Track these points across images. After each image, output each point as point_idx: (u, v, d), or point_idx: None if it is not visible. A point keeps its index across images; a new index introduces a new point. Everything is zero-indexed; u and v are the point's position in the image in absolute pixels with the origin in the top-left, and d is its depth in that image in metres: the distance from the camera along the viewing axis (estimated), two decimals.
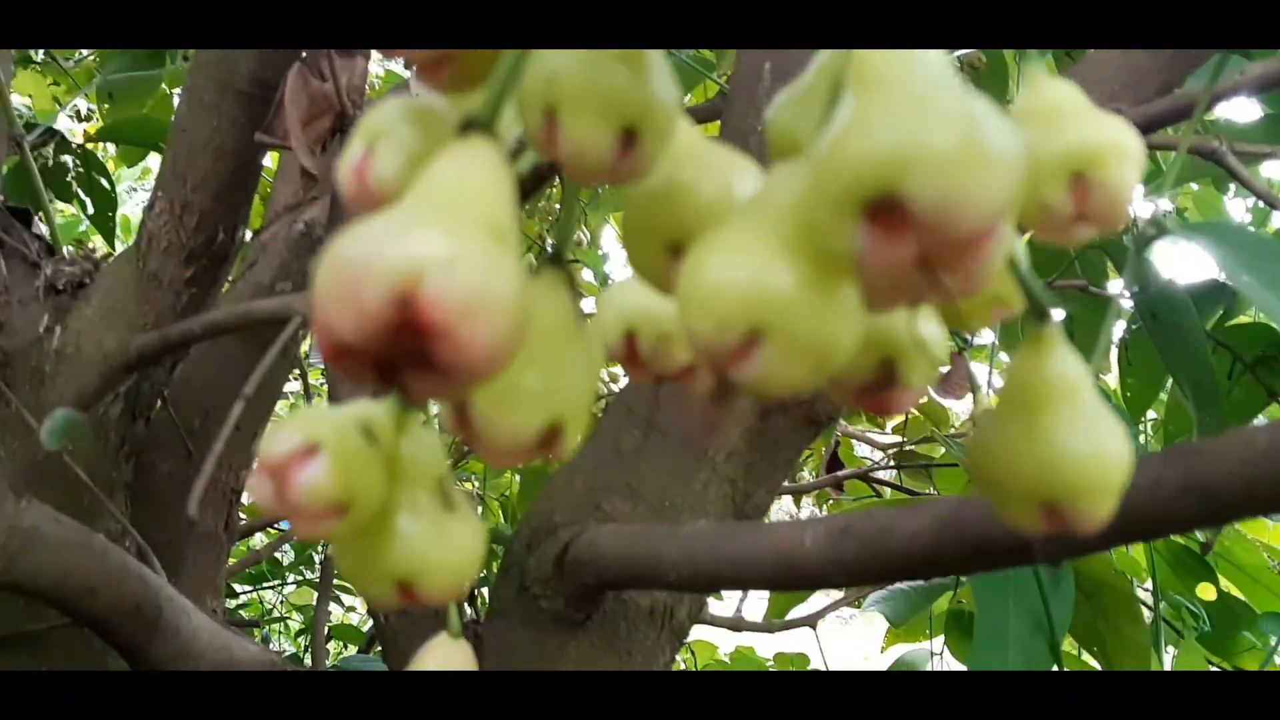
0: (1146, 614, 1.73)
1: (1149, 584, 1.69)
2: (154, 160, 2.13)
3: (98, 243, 2.22)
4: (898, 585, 1.68)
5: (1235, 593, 1.68)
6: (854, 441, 2.22)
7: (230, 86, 0.92)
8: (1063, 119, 0.28)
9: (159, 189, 0.96)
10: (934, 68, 0.20)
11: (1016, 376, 0.26)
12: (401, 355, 0.20)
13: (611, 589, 0.72)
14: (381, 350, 0.20)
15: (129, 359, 0.61)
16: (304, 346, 1.56)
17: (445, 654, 0.47)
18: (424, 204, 0.21)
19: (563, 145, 0.23)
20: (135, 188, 2.91)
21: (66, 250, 1.06)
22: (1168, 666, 1.62)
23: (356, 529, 0.28)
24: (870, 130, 0.19)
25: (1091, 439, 0.24)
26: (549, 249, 0.27)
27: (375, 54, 1.10)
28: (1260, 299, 0.45)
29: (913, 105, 0.19)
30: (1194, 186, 1.44)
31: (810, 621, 1.24)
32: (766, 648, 1.96)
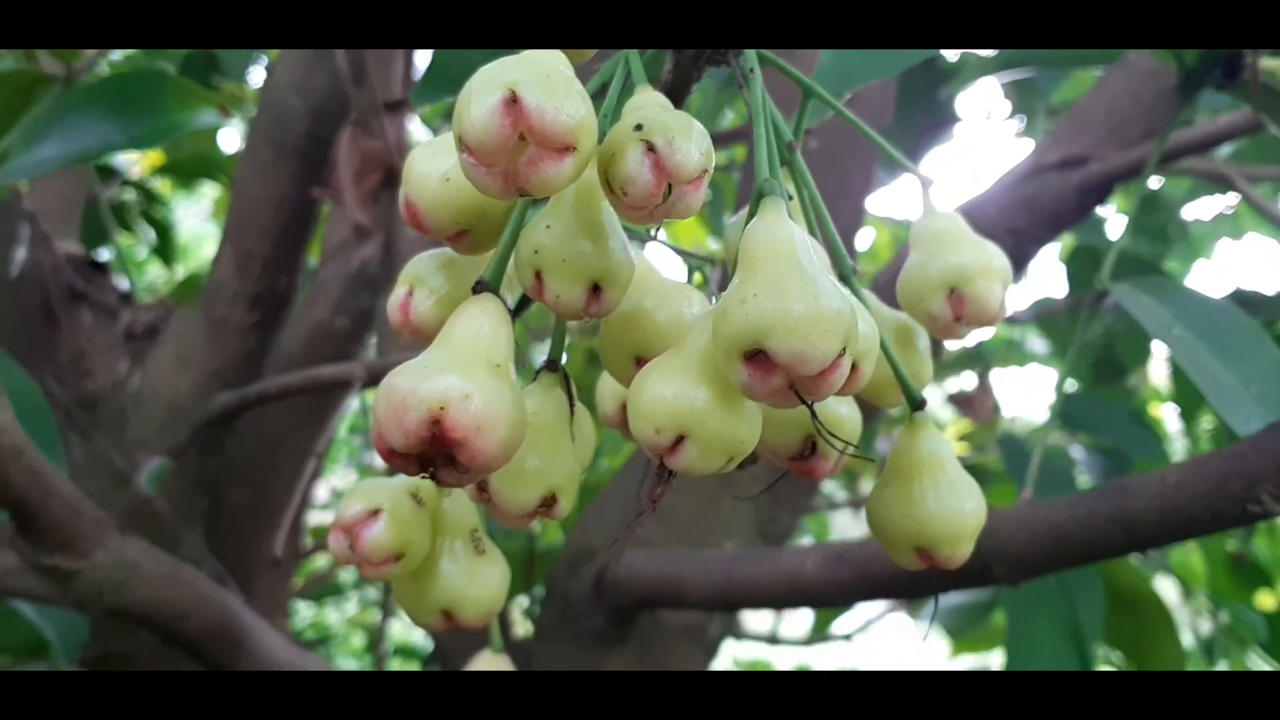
0: (1205, 622, 1.79)
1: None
2: (207, 186, 2.27)
3: (159, 275, 2.37)
4: (952, 597, 1.76)
5: None
6: None
7: (287, 145, 1.04)
8: (944, 244, 0.38)
9: (224, 240, 1.08)
10: (793, 253, 0.30)
11: (897, 451, 0.36)
12: (434, 457, 0.31)
13: (645, 608, 0.82)
14: (420, 454, 0.30)
15: (213, 414, 0.72)
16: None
17: (488, 665, 0.58)
18: (449, 350, 0.31)
19: (548, 296, 0.33)
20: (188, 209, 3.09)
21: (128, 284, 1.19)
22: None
23: (409, 571, 0.38)
24: (744, 304, 0.29)
25: (949, 501, 0.34)
26: (546, 358, 0.37)
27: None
28: (1187, 354, 0.53)
29: (774, 285, 0.29)
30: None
31: (847, 636, 1.33)
32: (822, 665, 2.05)
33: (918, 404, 0.36)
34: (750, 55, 0.35)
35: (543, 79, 0.29)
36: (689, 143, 0.30)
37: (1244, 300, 1.42)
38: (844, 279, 0.37)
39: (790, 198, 0.37)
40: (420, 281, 0.37)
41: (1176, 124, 0.73)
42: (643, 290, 0.36)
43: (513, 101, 0.29)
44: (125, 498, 0.70)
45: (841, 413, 0.36)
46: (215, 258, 1.08)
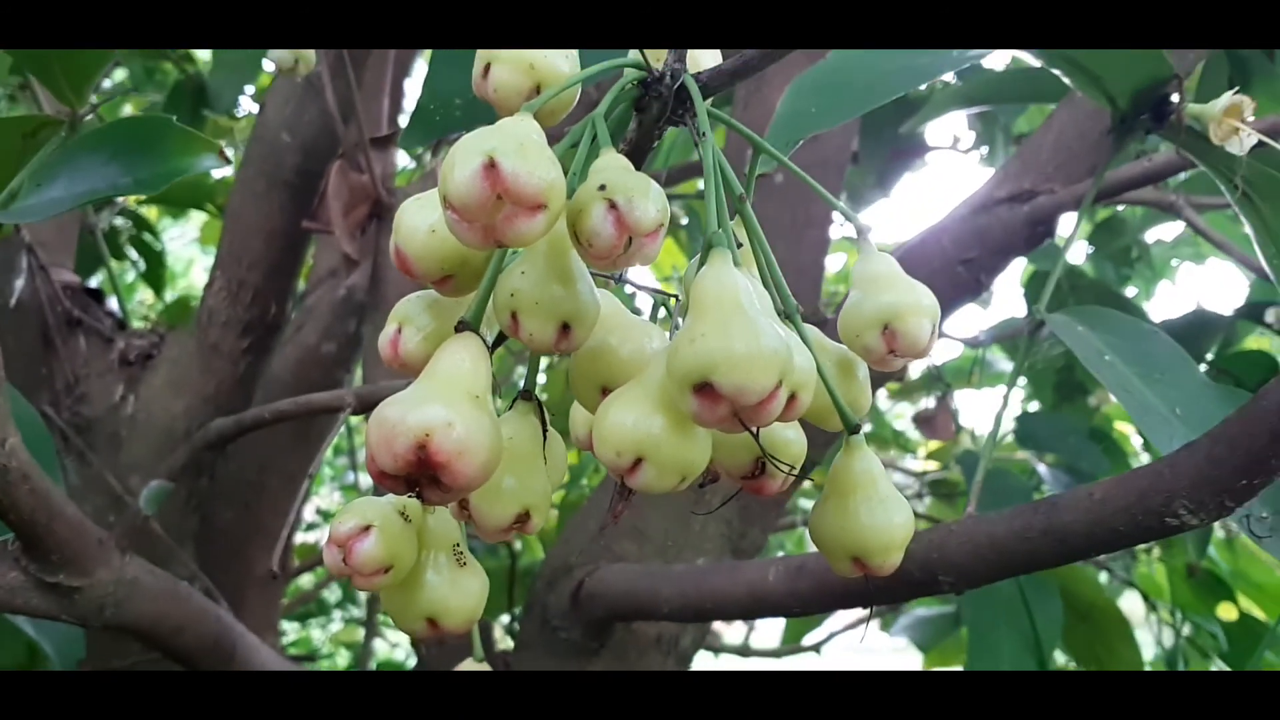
0: (1168, 633, 1.84)
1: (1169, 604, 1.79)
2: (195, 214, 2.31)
3: (147, 295, 2.40)
4: (920, 611, 1.80)
5: (1257, 613, 1.77)
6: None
7: (278, 179, 1.08)
8: (879, 285, 0.42)
9: (216, 269, 1.12)
10: (737, 298, 0.34)
11: (834, 470, 0.40)
12: (420, 478, 0.34)
13: (619, 620, 0.86)
14: (408, 475, 0.34)
15: (210, 439, 0.76)
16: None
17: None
18: (434, 383, 0.35)
19: (523, 334, 0.37)
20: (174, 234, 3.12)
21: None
22: None
23: (397, 582, 0.42)
24: (694, 343, 0.33)
25: (880, 516, 0.38)
26: (522, 388, 0.41)
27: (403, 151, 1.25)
28: (1115, 378, 0.58)
29: (719, 327, 0.33)
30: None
31: (815, 648, 1.37)
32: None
33: (853, 428, 0.40)
34: (704, 119, 0.39)
35: (517, 146, 0.33)
36: (647, 201, 0.34)
37: (1203, 320, 1.48)
38: (787, 318, 0.41)
39: (740, 245, 0.41)
40: (408, 320, 0.41)
41: (1119, 160, 0.78)
42: (608, 327, 0.40)
43: (491, 166, 0.33)
44: (125, 518, 0.74)
45: (788, 436, 0.40)
46: (207, 286, 1.12)
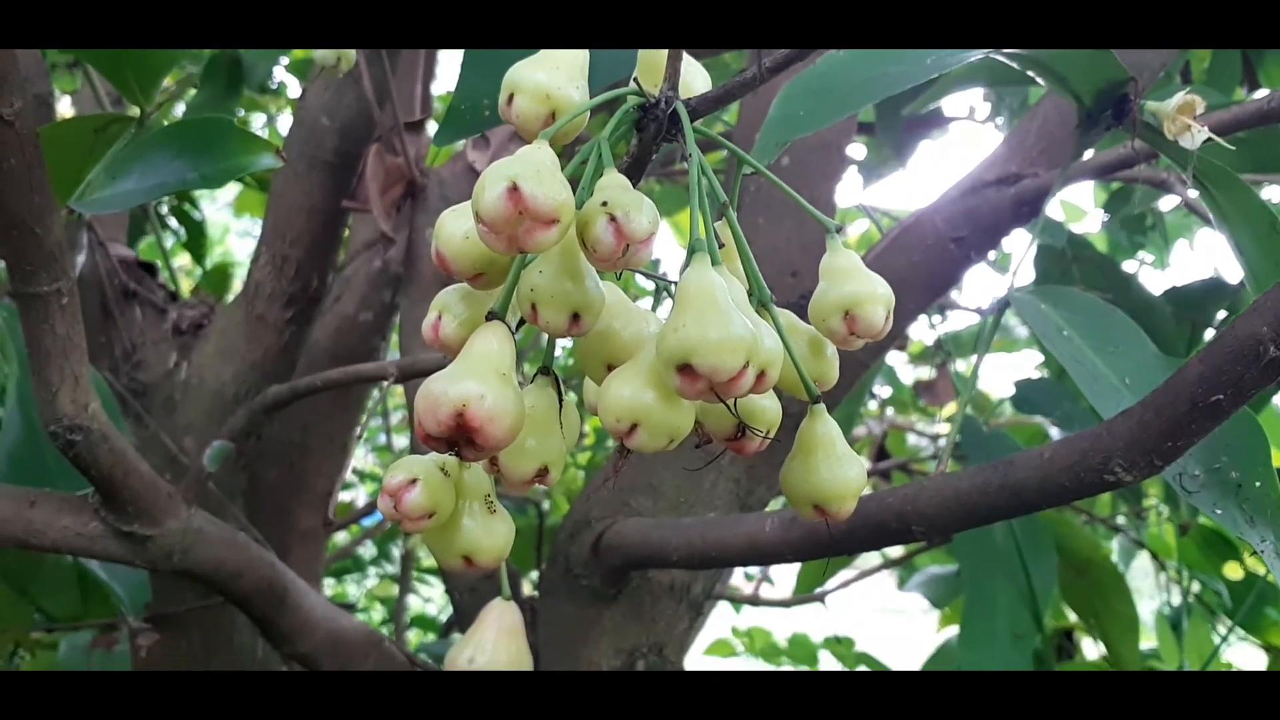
0: (1176, 591, 1.91)
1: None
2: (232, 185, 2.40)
3: (184, 260, 2.50)
4: (933, 570, 1.89)
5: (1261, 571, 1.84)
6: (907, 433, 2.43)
7: (318, 160, 1.17)
8: (842, 277, 0.50)
9: (262, 244, 1.21)
10: (714, 294, 0.42)
11: (801, 432, 0.48)
12: (458, 440, 0.43)
13: (634, 569, 0.95)
14: (448, 437, 0.43)
15: (267, 403, 0.85)
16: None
17: (499, 611, 0.72)
18: (469, 362, 0.44)
19: (540, 322, 0.46)
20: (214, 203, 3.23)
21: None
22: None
23: (438, 526, 0.51)
24: (677, 332, 0.41)
25: (837, 471, 0.47)
26: (541, 365, 0.50)
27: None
28: (1069, 351, 0.66)
29: (697, 318, 0.41)
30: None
31: (819, 598, 1.46)
32: (817, 632, 2.18)
33: (815, 398, 0.48)
34: (690, 141, 0.48)
35: (535, 172, 0.41)
36: (641, 215, 0.43)
37: (1212, 286, 1.54)
38: (763, 306, 0.49)
39: (723, 245, 0.49)
40: (447, 308, 0.49)
41: (1106, 144, 0.85)
42: (613, 314, 0.48)
43: (514, 189, 0.41)
44: (191, 474, 0.83)
45: (764, 405, 0.49)
46: (254, 260, 1.21)
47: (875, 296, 0.50)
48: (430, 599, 2.80)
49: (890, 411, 2.43)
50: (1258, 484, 0.60)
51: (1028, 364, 2.43)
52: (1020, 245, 1.30)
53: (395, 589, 2.34)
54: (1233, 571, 1.81)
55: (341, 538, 2.40)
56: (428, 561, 2.31)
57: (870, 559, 1.94)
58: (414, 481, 0.50)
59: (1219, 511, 0.60)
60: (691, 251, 0.44)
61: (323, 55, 1.03)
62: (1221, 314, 1.50)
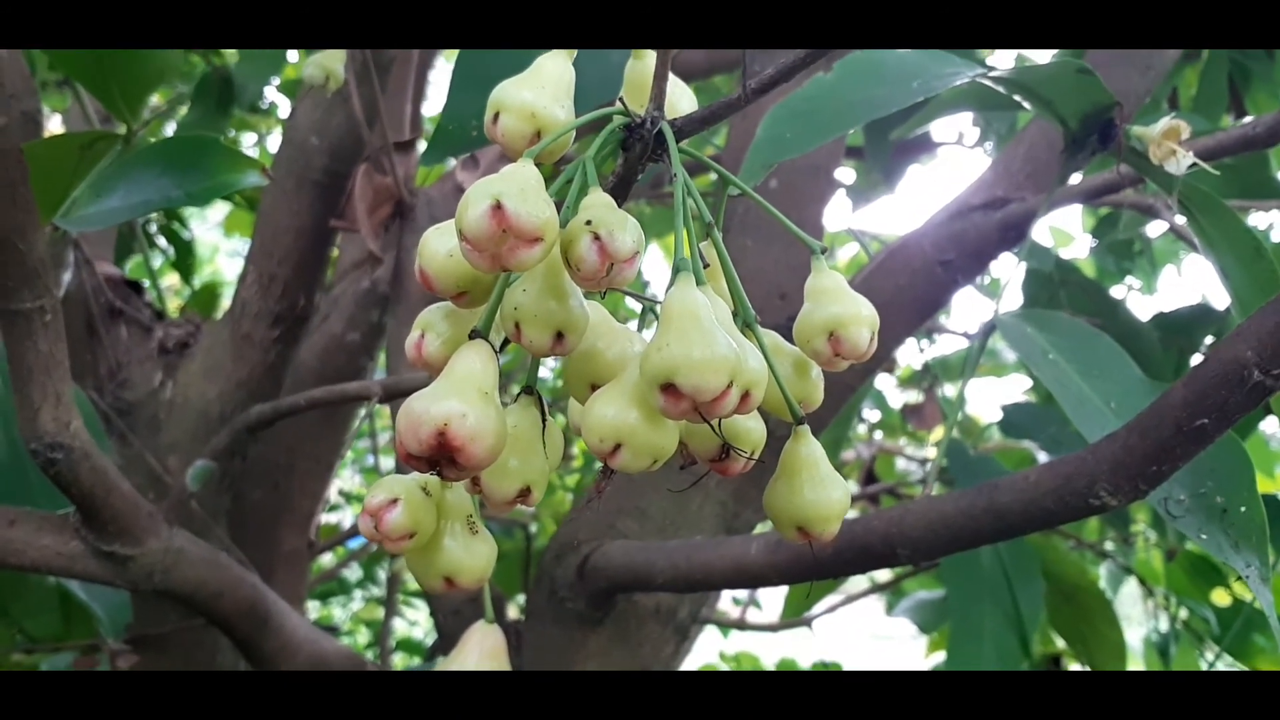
0: (1164, 618, 1.91)
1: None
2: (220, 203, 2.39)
3: (172, 279, 2.49)
4: (921, 595, 1.88)
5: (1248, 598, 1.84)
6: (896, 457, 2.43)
7: (307, 179, 1.17)
8: (826, 298, 0.50)
9: (249, 263, 1.21)
10: (697, 314, 0.42)
11: (785, 453, 0.48)
12: (440, 459, 0.43)
13: (620, 592, 0.94)
14: (430, 457, 0.43)
15: (250, 422, 0.84)
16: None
17: (482, 634, 0.71)
18: (451, 381, 0.44)
19: (524, 341, 0.45)
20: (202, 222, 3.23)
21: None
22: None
23: (419, 546, 0.51)
24: (660, 351, 0.41)
25: (820, 492, 0.47)
26: (524, 385, 0.49)
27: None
28: (1054, 375, 0.66)
29: (681, 338, 0.41)
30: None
31: (807, 622, 1.46)
32: (804, 657, 2.18)
33: (799, 420, 0.48)
34: (676, 161, 0.48)
35: (519, 190, 0.41)
36: (625, 234, 0.43)
37: (1199, 312, 1.55)
38: (747, 326, 0.49)
39: (707, 265, 0.49)
40: (430, 327, 0.49)
41: (1094, 169, 0.86)
42: (597, 334, 0.48)
43: (498, 207, 0.41)
44: (173, 494, 0.83)
45: (749, 426, 0.49)
46: (240, 279, 1.21)
47: (860, 318, 0.50)
48: (416, 622, 2.78)
49: (879, 435, 2.43)
50: (1243, 509, 0.60)
51: (1016, 388, 2.44)
52: (1009, 270, 1.31)
53: (381, 612, 2.33)
54: (1220, 597, 1.81)
55: (327, 560, 2.39)
56: (413, 585, 2.30)
57: (858, 584, 1.94)
58: (395, 501, 0.49)
59: (1204, 536, 0.60)
60: (676, 271, 0.44)
61: (311, 74, 1.03)
62: (1209, 339, 1.51)
